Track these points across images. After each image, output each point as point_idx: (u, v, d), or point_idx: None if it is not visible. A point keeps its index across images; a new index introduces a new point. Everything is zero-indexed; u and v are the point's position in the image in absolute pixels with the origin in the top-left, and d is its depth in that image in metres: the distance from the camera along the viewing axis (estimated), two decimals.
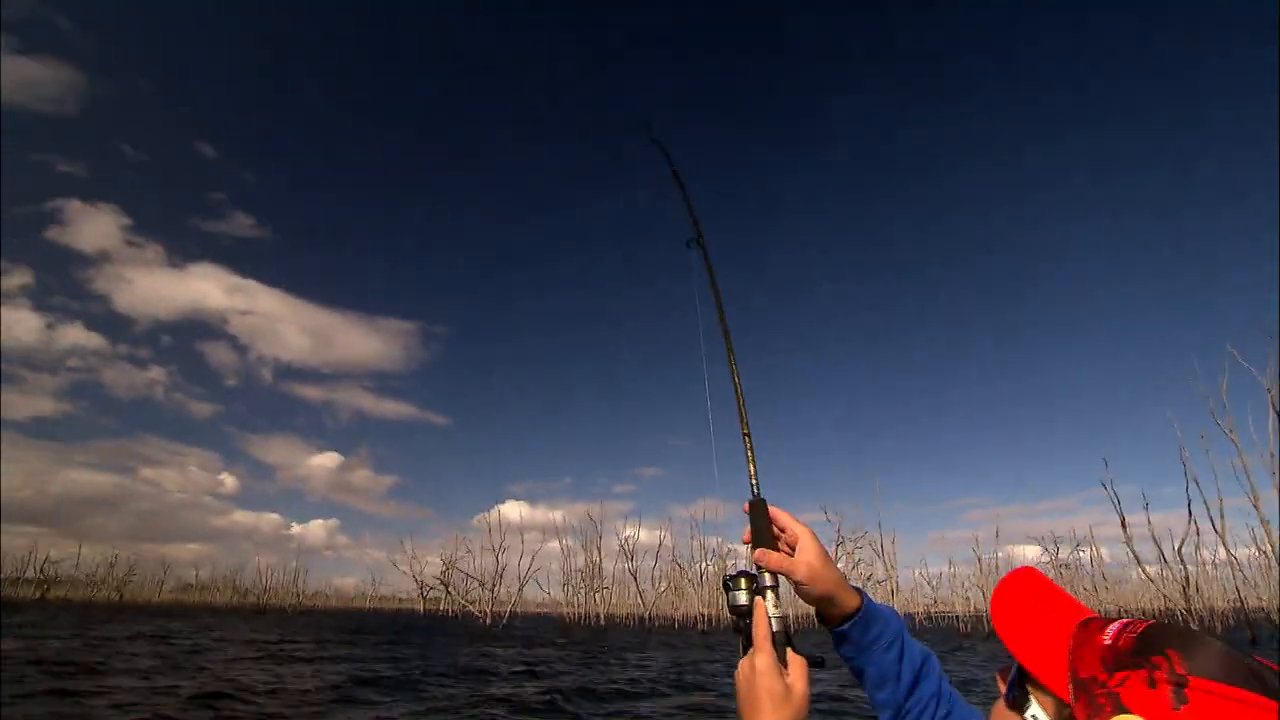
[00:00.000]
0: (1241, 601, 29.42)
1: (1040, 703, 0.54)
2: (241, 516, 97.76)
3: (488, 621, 44.00)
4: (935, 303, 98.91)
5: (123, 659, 11.23)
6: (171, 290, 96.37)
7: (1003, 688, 0.59)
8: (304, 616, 49.80)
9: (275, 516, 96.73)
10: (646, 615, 45.88)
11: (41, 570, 63.32)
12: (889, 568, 42.10)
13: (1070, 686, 0.51)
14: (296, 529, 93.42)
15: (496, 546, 49.27)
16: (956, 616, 45.79)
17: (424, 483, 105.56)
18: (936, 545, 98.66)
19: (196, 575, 77.43)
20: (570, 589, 51.42)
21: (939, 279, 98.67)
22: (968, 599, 48.33)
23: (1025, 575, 0.62)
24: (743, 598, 0.86)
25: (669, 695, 9.13)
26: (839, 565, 0.94)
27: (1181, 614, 28.52)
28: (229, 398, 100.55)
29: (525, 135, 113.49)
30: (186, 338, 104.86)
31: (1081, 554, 39.25)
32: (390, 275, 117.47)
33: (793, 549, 0.89)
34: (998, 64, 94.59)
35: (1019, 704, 0.55)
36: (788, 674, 0.76)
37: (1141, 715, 0.45)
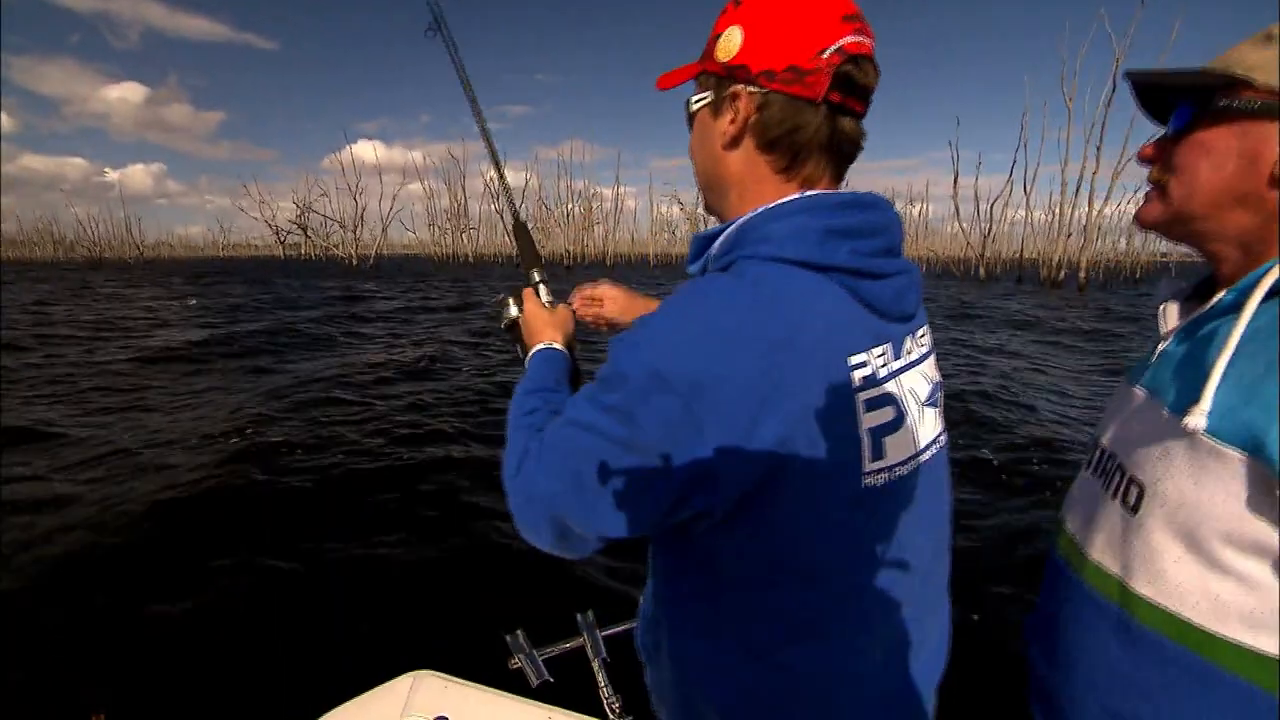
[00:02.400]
0: (1022, 253, 34.80)
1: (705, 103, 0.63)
2: (35, 161, 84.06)
3: (354, 263, 44.10)
4: None
5: None
6: None
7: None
8: (149, 267, 47.34)
9: (80, 161, 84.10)
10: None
11: None
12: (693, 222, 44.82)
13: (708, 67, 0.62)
14: (113, 174, 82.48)
15: (354, 188, 46.91)
16: None
17: (259, 120, 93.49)
18: None
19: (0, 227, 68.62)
20: (436, 230, 51.54)
21: None
22: None
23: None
24: (513, 310, 0.93)
25: None
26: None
27: (976, 259, 33.49)
28: None
29: None
30: None
31: (912, 209, 43.37)
32: None
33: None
34: None
35: (717, 110, 0.62)
36: (556, 311, 0.92)
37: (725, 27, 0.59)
